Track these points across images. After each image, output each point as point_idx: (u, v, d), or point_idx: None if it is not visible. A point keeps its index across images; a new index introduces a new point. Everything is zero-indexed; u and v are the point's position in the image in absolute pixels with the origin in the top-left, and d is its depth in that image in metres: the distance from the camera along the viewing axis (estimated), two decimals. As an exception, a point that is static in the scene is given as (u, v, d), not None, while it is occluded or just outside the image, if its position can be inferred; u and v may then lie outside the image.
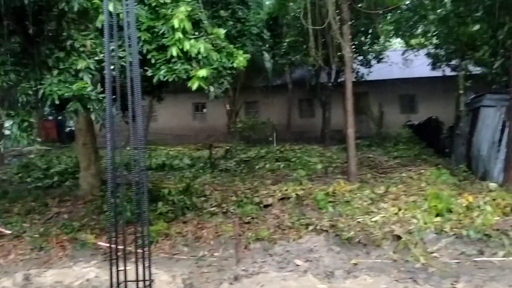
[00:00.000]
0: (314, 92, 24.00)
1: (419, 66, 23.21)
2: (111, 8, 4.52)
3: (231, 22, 9.65)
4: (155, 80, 7.58)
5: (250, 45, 10.21)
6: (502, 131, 11.47)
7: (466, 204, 9.42)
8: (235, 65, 8.20)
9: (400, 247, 8.25)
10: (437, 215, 9.21)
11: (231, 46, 8.43)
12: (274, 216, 9.68)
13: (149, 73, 7.55)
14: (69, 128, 27.29)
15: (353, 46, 19.65)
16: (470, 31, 11.54)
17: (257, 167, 15.49)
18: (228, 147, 18.52)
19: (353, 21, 14.64)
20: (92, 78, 6.93)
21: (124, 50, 5.28)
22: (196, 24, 8.00)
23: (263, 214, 9.73)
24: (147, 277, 4.16)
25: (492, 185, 10.90)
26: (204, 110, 28.16)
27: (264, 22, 11.43)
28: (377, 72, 24.15)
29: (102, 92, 6.63)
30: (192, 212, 9.99)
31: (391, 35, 19.41)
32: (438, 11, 13.54)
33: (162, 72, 7.52)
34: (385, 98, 26.64)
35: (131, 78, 4.09)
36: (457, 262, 7.74)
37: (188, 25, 7.43)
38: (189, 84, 7.57)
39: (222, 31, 8.39)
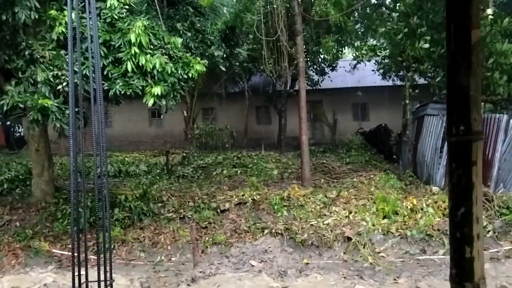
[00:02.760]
0: (271, 100, 24.43)
1: (371, 75, 24.19)
2: (72, 18, 4.62)
3: (189, 34, 9.79)
4: (111, 93, 7.65)
5: (207, 55, 10.37)
6: (444, 138, 12.25)
7: (411, 207, 10.06)
8: (190, 75, 8.38)
9: (350, 248, 8.71)
10: (384, 217, 9.77)
11: (188, 55, 8.60)
12: (231, 220, 9.90)
13: (105, 86, 7.60)
14: (18, 134, 26.28)
15: (307, 55, 20.29)
16: (416, 46, 12.32)
17: (214, 173, 15.63)
18: (185, 154, 18.52)
19: (305, 32, 15.17)
20: (51, 89, 6.92)
21: (84, 63, 5.37)
22: (153, 35, 8.14)
23: (220, 219, 9.94)
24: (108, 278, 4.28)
25: (435, 188, 11.63)
26: (161, 116, 27.94)
27: (221, 32, 11.59)
28: (332, 80, 24.91)
29: (64, 102, 6.65)
30: (149, 218, 10.04)
31: (336, 48, 20.16)
32: (388, 25, 14.32)
33: (118, 86, 7.60)
34: (339, 106, 27.46)
35: (94, 88, 4.22)
36: (402, 261, 8.27)
37: (144, 39, 7.57)
38: (144, 100, 7.72)
39: (179, 40, 8.57)
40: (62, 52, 6.99)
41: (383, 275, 6.71)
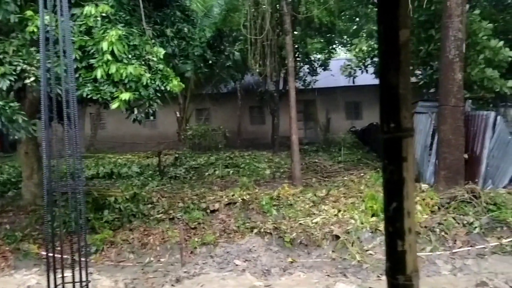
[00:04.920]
0: (264, 100, 24.52)
1: (364, 74, 24.31)
2: (46, 20, 4.65)
3: (176, 41, 9.79)
4: (77, 95, 7.67)
5: (192, 66, 10.38)
6: (433, 136, 12.32)
7: (399, 204, 10.10)
8: (168, 88, 8.42)
9: (339, 246, 8.76)
10: (373, 215, 9.83)
11: (168, 69, 8.63)
12: (220, 220, 9.94)
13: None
14: (12, 137, 26.21)
15: (299, 55, 20.37)
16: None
17: (206, 173, 15.67)
18: (177, 154, 18.55)
19: (297, 32, 15.22)
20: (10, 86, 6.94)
21: (57, 66, 5.40)
22: (132, 46, 8.16)
23: (210, 219, 9.97)
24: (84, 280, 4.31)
25: (424, 186, 11.69)
26: (154, 118, 27.96)
27: (208, 39, 11.60)
28: (325, 80, 25.01)
29: (18, 101, 6.66)
30: (139, 220, 10.07)
31: (325, 48, 20.29)
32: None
33: (87, 89, 7.64)
34: (332, 105, 27.58)
35: (66, 89, 4.25)
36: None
37: (118, 48, 7.59)
38: (112, 105, 7.76)
39: (161, 51, 8.59)
40: (33, 49, 7.03)
41: (368, 272, 6.76)
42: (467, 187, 10.27)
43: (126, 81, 7.63)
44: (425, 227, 9.10)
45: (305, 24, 16.17)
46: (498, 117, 11.62)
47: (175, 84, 8.55)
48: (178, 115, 22.78)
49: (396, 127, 1.44)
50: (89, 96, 7.59)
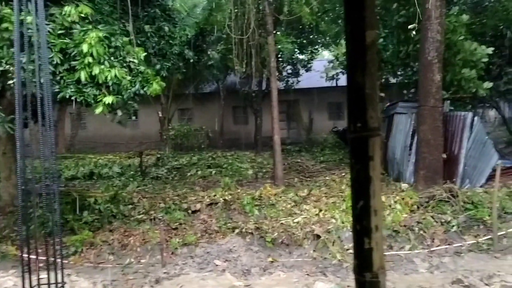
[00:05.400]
0: (247, 100, 24.53)
1: (346, 75, 24.49)
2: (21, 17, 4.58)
3: (155, 39, 9.71)
4: (59, 96, 7.57)
5: (170, 64, 10.32)
6: (413, 136, 12.48)
7: (380, 204, 10.22)
8: (148, 92, 8.37)
9: (320, 245, 8.82)
10: (353, 215, 9.92)
11: (148, 71, 8.57)
12: (201, 221, 9.91)
13: (55, 89, 7.52)
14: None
15: (282, 56, 20.41)
16: (381, 44, 12.55)
17: (188, 174, 15.61)
18: (159, 155, 18.43)
19: (278, 32, 15.27)
20: None
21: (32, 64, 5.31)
22: (113, 47, 8.09)
23: (191, 220, 9.94)
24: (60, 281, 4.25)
25: (404, 185, 11.85)
26: (136, 118, 27.71)
27: (189, 38, 11.51)
28: (307, 80, 25.14)
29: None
30: (119, 220, 9.98)
31: (295, 51, 20.42)
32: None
33: (69, 90, 7.53)
34: (315, 106, 27.74)
35: (41, 88, 4.18)
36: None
37: (99, 51, 7.51)
38: (94, 109, 7.69)
39: (142, 52, 8.52)
40: (12, 49, 6.93)
41: (348, 271, 6.83)
42: (446, 186, 10.45)
43: (109, 83, 7.55)
44: (405, 226, 9.23)
45: (286, 24, 16.23)
46: (475, 118, 11.84)
47: (155, 88, 8.48)
48: (160, 115, 22.62)
49: (362, 126, 1.47)
50: (72, 98, 7.48)
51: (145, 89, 8.30)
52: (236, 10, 13.22)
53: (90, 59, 7.28)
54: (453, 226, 9.14)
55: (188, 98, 24.32)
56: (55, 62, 7.30)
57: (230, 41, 16.37)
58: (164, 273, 6.82)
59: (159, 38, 9.88)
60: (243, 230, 9.19)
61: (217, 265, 7.03)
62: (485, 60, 11.97)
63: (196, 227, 9.52)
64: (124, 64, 8.03)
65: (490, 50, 11.96)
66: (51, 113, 4.18)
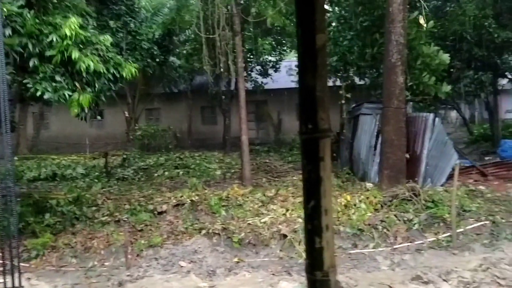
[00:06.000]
0: (215, 100, 24.45)
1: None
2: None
3: (121, 34, 9.57)
4: (30, 92, 7.33)
5: (140, 59, 10.19)
6: (377, 136, 12.76)
7: (345, 203, 10.40)
8: (124, 74, 8.21)
9: (286, 245, 8.89)
10: (319, 214, 10.05)
11: (119, 57, 8.42)
12: (168, 222, 9.81)
13: (28, 84, 7.29)
14: None
15: (250, 56, 20.50)
16: (347, 46, 12.80)
17: (155, 174, 15.42)
18: (125, 155, 18.11)
19: (244, 32, 15.30)
20: None
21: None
22: (84, 33, 7.91)
23: (157, 221, 9.82)
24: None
25: (369, 185, 12.09)
26: (102, 118, 27.15)
27: (157, 37, 11.40)
28: (276, 81, 25.30)
29: None
30: (82, 223, 9.75)
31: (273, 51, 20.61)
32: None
33: (42, 87, 7.30)
34: (284, 106, 27.94)
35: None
36: (335, 256, 8.53)
37: (79, 36, 7.34)
38: (70, 109, 7.50)
39: (109, 38, 8.36)
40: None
41: (312, 270, 6.93)
42: (408, 185, 10.72)
43: (85, 74, 7.34)
44: (369, 224, 9.41)
45: (254, 25, 16.29)
46: (436, 119, 12.22)
47: (130, 70, 8.32)
48: (126, 115, 22.25)
49: (313, 128, 1.50)
50: (44, 95, 7.22)
51: (119, 72, 8.12)
52: (203, 11, 13.16)
53: (69, 42, 7.05)
54: (415, 224, 9.39)
55: (156, 98, 24.02)
56: (26, 54, 7.05)
57: (198, 41, 16.30)
58: (128, 275, 6.72)
59: (125, 34, 9.74)
60: (210, 230, 9.16)
61: (182, 266, 6.98)
62: (446, 64, 12.36)
63: (162, 228, 9.41)
64: (94, 52, 7.84)
65: (447, 56, 12.35)
66: (8, 112, 4.04)
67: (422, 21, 12.31)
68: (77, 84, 7.43)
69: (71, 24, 7.28)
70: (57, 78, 7.45)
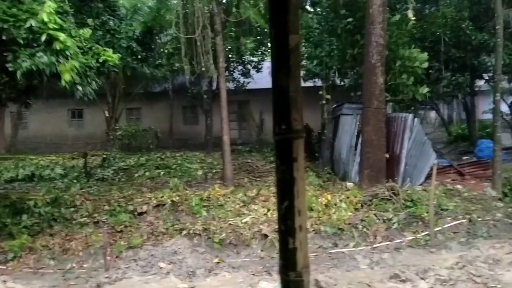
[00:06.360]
0: (197, 100, 24.32)
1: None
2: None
3: (100, 32, 9.43)
4: (18, 74, 7.16)
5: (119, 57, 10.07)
6: (358, 136, 12.88)
7: (326, 203, 10.47)
8: (101, 60, 8.05)
9: (267, 245, 8.91)
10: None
11: (99, 46, 8.30)
12: (148, 223, 9.72)
13: (10, 68, 7.12)
14: None
15: (232, 56, 20.47)
16: (328, 49, 12.90)
17: (136, 175, 15.25)
18: (105, 155, 17.87)
19: (225, 32, 15.27)
20: None
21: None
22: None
23: (137, 222, 9.72)
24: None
25: (350, 184, 12.20)
26: (81, 117, 26.76)
27: (137, 35, 11.27)
28: (259, 81, 25.30)
29: None
30: (61, 224, 9.58)
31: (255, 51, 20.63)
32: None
33: (24, 64, 7.12)
34: (266, 106, 27.92)
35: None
36: (315, 255, 8.59)
37: (57, 21, 7.21)
38: (62, 77, 7.30)
39: (88, 31, 8.23)
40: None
41: (292, 269, 6.95)
42: (388, 185, 10.86)
43: (69, 52, 7.19)
44: (349, 224, 9.50)
45: (235, 25, 16.27)
46: (415, 119, 12.40)
47: (110, 55, 8.18)
48: (106, 115, 21.96)
49: (287, 129, 1.50)
50: (28, 68, 7.01)
51: (100, 59, 7.97)
52: (184, 10, 13.08)
53: (52, 25, 6.91)
54: (394, 223, 9.52)
55: (137, 97, 23.77)
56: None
57: (179, 41, 16.19)
58: (106, 277, 6.63)
59: (104, 32, 9.60)
60: (191, 231, 9.11)
61: (161, 267, 6.92)
62: (424, 63, 12.55)
63: (142, 229, 9.32)
64: (73, 40, 7.69)
65: (425, 55, 12.54)
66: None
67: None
68: (60, 60, 7.26)
69: (48, 8, 7.14)
70: (41, 54, 7.29)
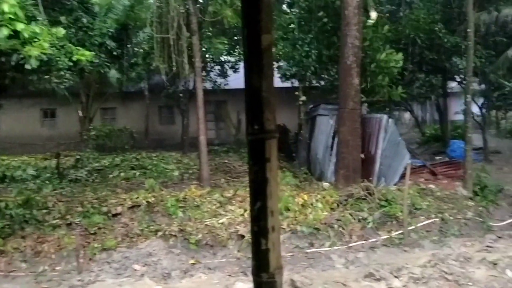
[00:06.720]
0: (173, 99, 24.08)
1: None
2: None
3: (73, 30, 9.22)
4: None
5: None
6: (334, 137, 13.01)
7: (302, 203, 10.53)
8: (74, 59, 7.88)
9: (244, 245, 8.90)
10: (277, 214, 10.11)
11: (71, 45, 8.12)
12: (122, 224, 9.57)
13: None
14: None
15: (209, 56, 20.36)
16: (305, 49, 12.97)
17: (110, 176, 15.00)
18: (79, 156, 17.51)
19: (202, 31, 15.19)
20: None
21: None
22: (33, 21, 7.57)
23: (111, 224, 9.56)
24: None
25: (326, 184, 12.31)
26: (54, 117, 26.15)
27: (111, 31, 11.06)
28: (236, 81, 25.23)
29: None
30: (32, 226, 9.34)
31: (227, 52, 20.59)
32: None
33: None
34: (243, 106, 27.60)
35: None
36: (291, 255, 8.64)
37: (19, 13, 6.99)
38: (27, 59, 7.08)
39: (61, 30, 8.04)
40: None
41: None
42: (363, 184, 11.00)
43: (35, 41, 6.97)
44: (325, 223, 9.58)
45: (210, 24, 16.19)
46: (390, 120, 12.60)
47: (83, 53, 8.00)
48: (80, 114, 21.51)
49: (259, 129, 1.49)
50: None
51: (70, 58, 7.78)
52: (159, 9, 12.92)
53: (12, 16, 6.69)
54: (369, 222, 9.65)
55: (111, 97, 23.36)
56: None
57: (153, 39, 15.99)
58: (79, 280, 6.49)
59: (77, 29, 9.39)
60: (166, 232, 9.02)
61: (135, 270, 6.83)
62: (399, 66, 12.76)
63: (117, 231, 9.17)
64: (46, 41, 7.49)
65: (400, 56, 12.75)
66: None
67: (373, 15, 12.59)
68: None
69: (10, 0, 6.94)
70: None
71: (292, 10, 16.54)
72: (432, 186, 11.93)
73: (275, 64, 17.43)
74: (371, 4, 11.17)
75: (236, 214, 10.08)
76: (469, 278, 5.50)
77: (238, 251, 8.83)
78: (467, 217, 10.09)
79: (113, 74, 15.11)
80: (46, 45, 7.09)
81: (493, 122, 28.17)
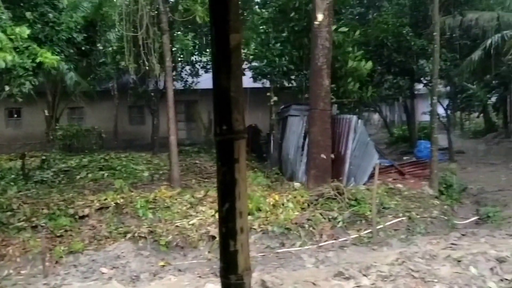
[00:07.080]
0: (143, 99, 23.72)
1: (244, 78, 24.89)
2: None
3: (39, 25, 8.95)
4: None
5: (59, 51, 9.57)
6: (305, 137, 13.11)
7: (273, 203, 10.57)
8: (37, 60, 7.65)
9: (215, 246, 8.84)
10: (248, 214, 10.11)
11: (36, 47, 7.88)
12: (90, 226, 9.36)
13: None
14: None
15: (181, 55, 20.17)
16: (279, 49, 13.05)
17: (78, 177, 14.63)
18: (45, 156, 17.01)
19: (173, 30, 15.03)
20: None
21: None
22: None
23: (78, 226, 9.33)
24: None
25: (297, 184, 12.39)
26: (19, 116, 25.34)
27: (78, 26, 10.77)
28: (207, 81, 25.08)
29: None
30: (-5, 229, 9.02)
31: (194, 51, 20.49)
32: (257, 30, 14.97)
33: None
34: (214, 106, 27.77)
35: None
36: (263, 255, 8.65)
37: None
38: None
39: (26, 30, 7.79)
40: None
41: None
42: (333, 184, 11.13)
43: None
44: (296, 223, 9.65)
45: (181, 24, 16.05)
46: (359, 121, 12.81)
47: (48, 57, 7.75)
48: (46, 114, 20.92)
49: (228, 129, 1.47)
50: None
51: (34, 60, 7.53)
52: (128, 6, 12.70)
53: None
54: (339, 222, 9.78)
55: (79, 96, 22.81)
56: None
57: (122, 37, 15.69)
58: (45, 284, 6.31)
59: (43, 25, 9.10)
60: (136, 234, 8.88)
61: (103, 273, 6.69)
62: (368, 68, 13.00)
63: (84, 233, 8.96)
64: (8, 44, 7.23)
65: (370, 65, 13.01)
66: None
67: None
68: None
69: None
70: None
71: (264, 10, 16.60)
72: (400, 185, 12.19)
73: (248, 64, 17.45)
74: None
75: (207, 215, 10.02)
76: (434, 275, 5.64)
77: (209, 252, 8.78)
78: (433, 215, 10.35)
79: (71, 76, 14.79)
80: (7, 54, 6.85)
81: (457, 123, 29.11)
